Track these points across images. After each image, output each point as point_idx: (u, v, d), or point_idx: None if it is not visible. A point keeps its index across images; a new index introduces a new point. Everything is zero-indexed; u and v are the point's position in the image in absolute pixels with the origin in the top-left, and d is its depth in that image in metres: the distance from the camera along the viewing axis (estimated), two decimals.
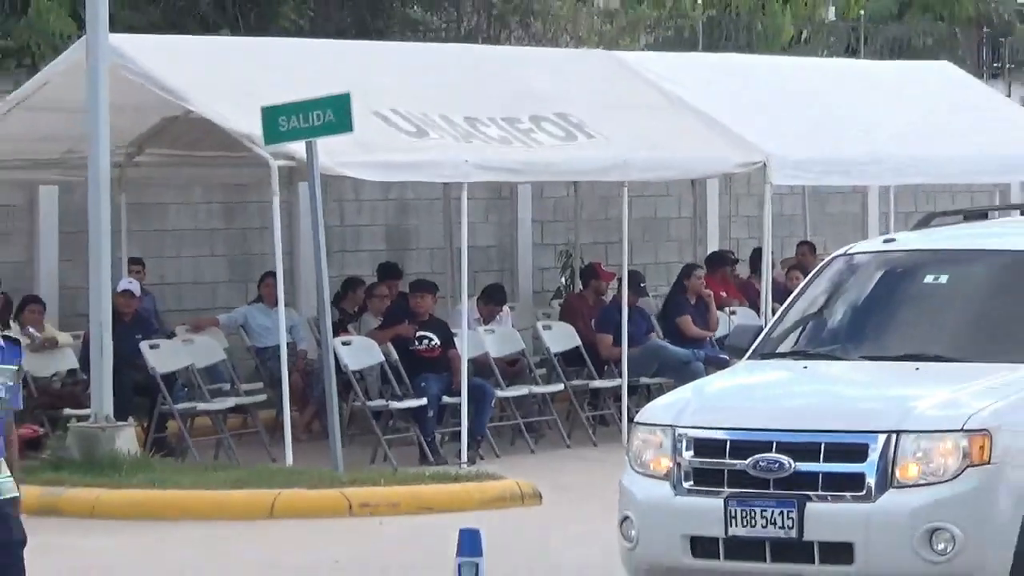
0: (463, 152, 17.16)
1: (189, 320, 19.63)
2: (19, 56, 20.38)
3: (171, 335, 18.75)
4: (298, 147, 16.00)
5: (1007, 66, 27.65)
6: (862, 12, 27.37)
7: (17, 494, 8.54)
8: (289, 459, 16.23)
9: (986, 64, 27.65)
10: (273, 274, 17.56)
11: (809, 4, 26.77)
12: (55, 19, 20.13)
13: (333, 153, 16.08)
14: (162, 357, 17.84)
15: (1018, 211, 14.56)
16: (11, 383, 8.71)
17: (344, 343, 17.63)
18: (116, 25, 18.29)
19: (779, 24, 26.06)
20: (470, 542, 8.04)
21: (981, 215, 13.27)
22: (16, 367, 8.69)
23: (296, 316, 18.88)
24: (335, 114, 15.83)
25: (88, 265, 16.55)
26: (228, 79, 17.29)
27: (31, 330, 17.91)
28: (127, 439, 16.48)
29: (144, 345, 17.60)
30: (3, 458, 8.68)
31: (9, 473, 8.56)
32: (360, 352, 17.71)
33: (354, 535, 14.29)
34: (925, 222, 12.85)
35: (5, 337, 8.78)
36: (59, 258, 19.56)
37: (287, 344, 17.10)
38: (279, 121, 15.94)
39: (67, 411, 17.41)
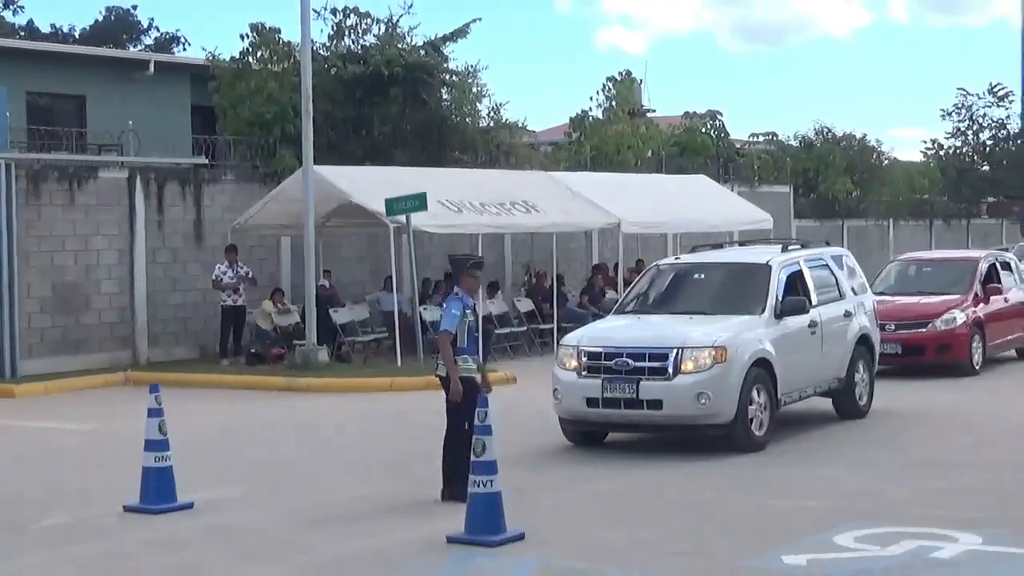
0: (479, 219, 26.99)
1: (351, 297, 28.64)
2: (274, 176, 29.31)
3: (343, 305, 27.84)
4: (402, 217, 25.08)
5: (731, 177, 40.54)
6: (663, 153, 39.51)
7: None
8: (399, 364, 25.04)
9: (721, 176, 39.60)
10: (390, 277, 26.92)
11: (640, 149, 39.23)
12: (288, 157, 28.67)
13: (419, 219, 25.42)
14: (340, 316, 27.08)
15: (736, 244, 21.79)
16: (471, 318, 13.31)
17: (424, 308, 26.53)
18: (334, 151, 28.42)
19: (627, 158, 38.71)
20: (484, 400, 11.65)
21: (719, 245, 20.59)
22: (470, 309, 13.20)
23: (401, 297, 27.26)
24: (419, 202, 24.81)
25: (304, 274, 25.71)
26: (370, 185, 26.48)
27: (280, 305, 27.03)
28: (323, 355, 25.49)
29: (331, 311, 26.72)
30: (473, 356, 13.22)
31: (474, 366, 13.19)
32: (429, 312, 26.43)
33: (428, 397, 17.83)
34: (692, 249, 20.47)
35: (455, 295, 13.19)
36: (291, 270, 28.86)
37: (397, 310, 26.24)
38: (393, 205, 25.05)
39: (296, 342, 26.08)
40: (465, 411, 13.03)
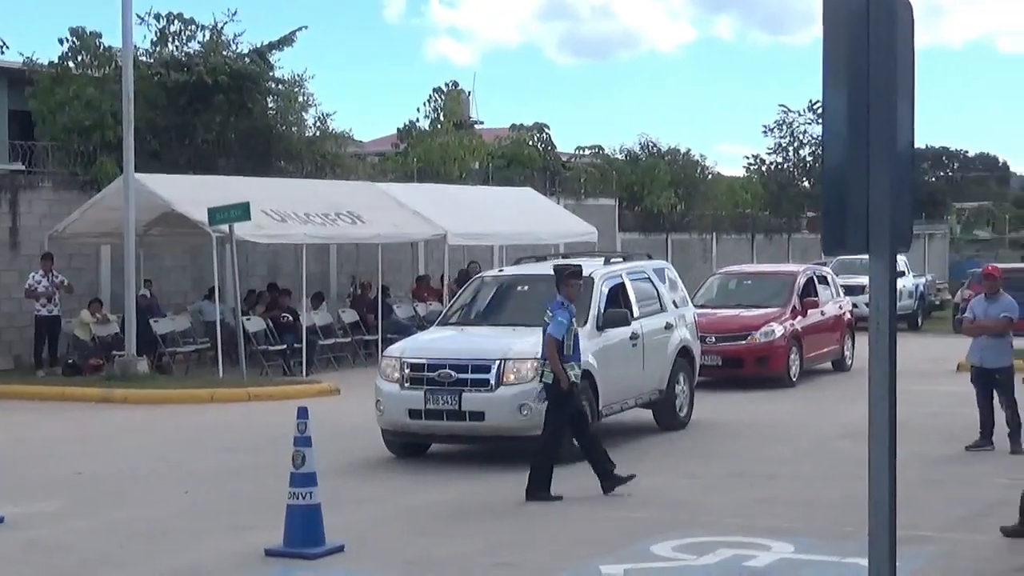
0: (303, 229, 26.75)
1: (172, 307, 28.39)
2: (93, 183, 28.76)
3: (164, 315, 27.49)
4: (225, 227, 24.76)
5: (557, 190, 40.89)
6: (490, 165, 39.78)
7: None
8: (220, 375, 24.86)
9: (547, 188, 39.89)
10: (213, 287, 26.40)
11: (466, 160, 39.33)
12: (109, 164, 28.13)
13: (242, 229, 25.02)
14: (160, 326, 26.73)
15: (561, 256, 22.17)
16: (575, 327, 13.96)
17: (247, 319, 26.29)
18: (156, 159, 27.93)
19: (453, 170, 38.66)
20: (304, 412, 11.38)
21: (543, 258, 20.29)
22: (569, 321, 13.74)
23: (224, 307, 26.88)
24: (242, 211, 24.58)
25: (124, 283, 25.18)
26: (192, 194, 26.08)
27: (99, 315, 26.39)
28: (143, 366, 25.11)
29: (151, 321, 26.39)
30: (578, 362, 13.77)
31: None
32: (252, 323, 26.80)
33: (250, 409, 21.80)
34: (517, 261, 20.49)
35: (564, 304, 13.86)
36: (111, 279, 28.15)
37: (219, 320, 25.97)
38: (216, 215, 24.73)
39: (115, 353, 25.59)
40: (565, 411, 14.08)
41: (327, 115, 35.78)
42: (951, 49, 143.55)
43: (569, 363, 14.01)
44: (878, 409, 5.09)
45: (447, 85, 45.26)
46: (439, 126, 43.54)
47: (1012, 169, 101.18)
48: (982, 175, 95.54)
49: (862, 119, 4.95)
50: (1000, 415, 16.91)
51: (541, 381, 14.39)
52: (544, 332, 14.32)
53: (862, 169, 4.95)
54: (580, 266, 15.51)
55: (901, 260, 40.52)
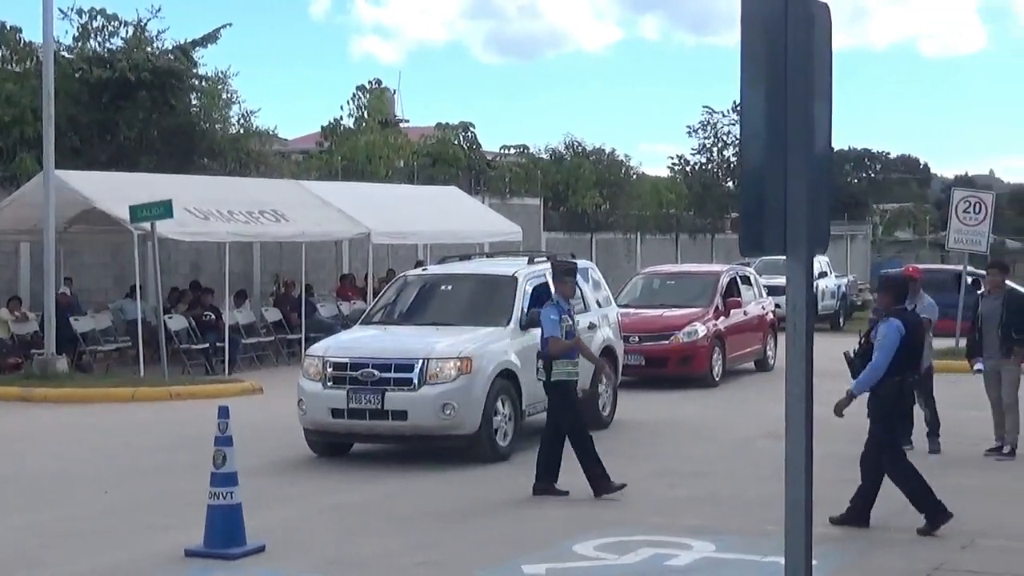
0: (226, 227, 26.50)
1: (93, 305, 28.07)
2: (12, 180, 28.50)
3: (85, 313, 27.12)
4: (147, 224, 24.39)
5: (483, 189, 40.91)
6: (415, 164, 39.89)
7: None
8: (142, 374, 24.49)
9: (472, 187, 40.11)
10: (135, 285, 26.10)
11: (392, 159, 39.62)
12: (28, 161, 28.02)
13: (165, 226, 24.70)
14: (81, 324, 26.35)
15: (485, 255, 22.16)
16: (570, 322, 13.85)
17: (169, 317, 26.02)
18: (77, 156, 27.58)
19: (378, 168, 38.68)
20: (225, 411, 11.30)
21: (467, 257, 20.56)
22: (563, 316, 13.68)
23: (145, 305, 26.82)
24: (164, 209, 24.03)
25: (44, 281, 24.80)
26: (114, 191, 25.54)
27: (17, 313, 26.08)
28: (63, 364, 24.71)
29: (71, 319, 26.06)
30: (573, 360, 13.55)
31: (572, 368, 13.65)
32: (175, 321, 26.52)
33: (171, 408, 21.62)
34: (441, 260, 20.50)
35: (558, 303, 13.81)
36: (30, 277, 27.74)
37: (141, 318, 25.72)
38: (137, 212, 24.23)
39: (34, 351, 25.22)
40: (564, 412, 14.09)
41: (251, 112, 35.71)
42: (875, 52, 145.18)
43: (563, 359, 14.08)
44: (795, 408, 5.12)
45: (370, 83, 45.14)
46: (364, 124, 43.40)
47: (933, 171, 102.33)
48: (904, 177, 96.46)
49: (780, 120, 4.97)
50: (920, 415, 17.01)
51: (537, 379, 14.45)
52: (541, 338, 14.42)
53: (780, 170, 4.98)
54: (574, 263, 15.49)
55: (823, 261, 41.03)
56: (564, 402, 14.07)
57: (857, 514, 12.45)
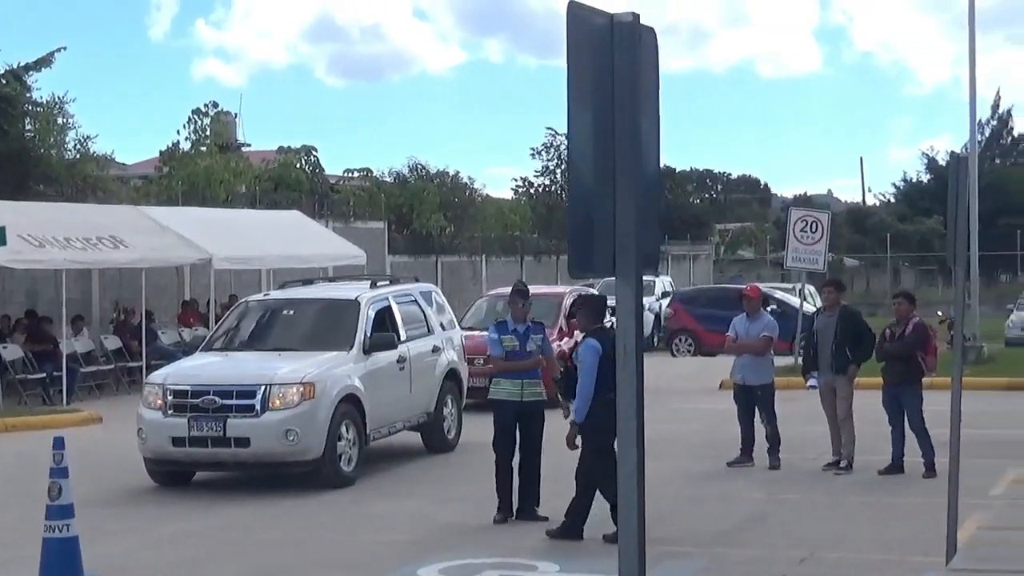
0: (63, 254, 25.85)
1: None
2: None
3: None
4: None
5: (326, 213, 40.69)
6: (257, 188, 39.63)
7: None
8: None
9: (316, 211, 39.63)
10: None
11: (233, 183, 39.50)
12: None
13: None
14: None
15: (328, 280, 22.44)
16: (515, 343, 14.03)
17: (3, 347, 25.59)
18: None
19: (218, 192, 38.29)
20: (60, 442, 11.03)
21: (309, 281, 20.48)
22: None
23: None
24: None
25: None
26: None
27: None
28: None
29: None
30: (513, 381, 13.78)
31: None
32: (9, 351, 25.88)
33: (7, 440, 20.94)
34: (283, 285, 20.51)
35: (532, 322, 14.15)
36: None
37: None
38: None
39: None
40: (496, 430, 14.24)
41: (88, 137, 35.07)
42: (715, 73, 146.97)
43: (498, 379, 14.47)
44: (626, 428, 5.14)
45: (206, 106, 44.56)
46: (203, 148, 42.90)
47: (773, 191, 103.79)
48: (744, 197, 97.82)
49: (607, 141, 5.00)
50: (761, 431, 17.28)
51: (489, 399, 14.75)
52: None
53: (608, 191, 5.00)
54: (523, 285, 15.67)
55: (666, 280, 41.37)
56: (495, 422, 14.14)
57: (574, 528, 12.73)
